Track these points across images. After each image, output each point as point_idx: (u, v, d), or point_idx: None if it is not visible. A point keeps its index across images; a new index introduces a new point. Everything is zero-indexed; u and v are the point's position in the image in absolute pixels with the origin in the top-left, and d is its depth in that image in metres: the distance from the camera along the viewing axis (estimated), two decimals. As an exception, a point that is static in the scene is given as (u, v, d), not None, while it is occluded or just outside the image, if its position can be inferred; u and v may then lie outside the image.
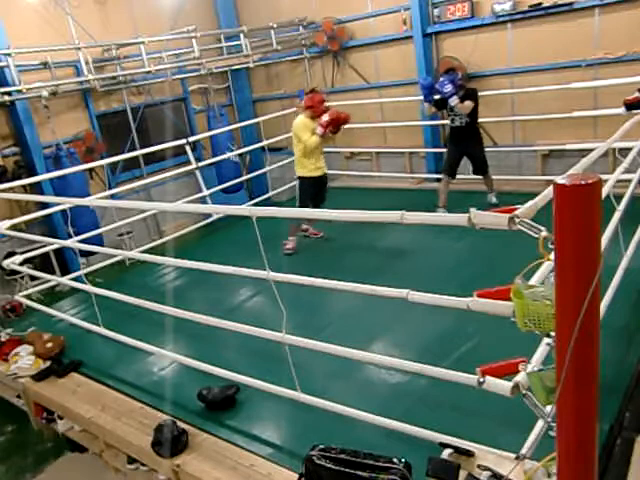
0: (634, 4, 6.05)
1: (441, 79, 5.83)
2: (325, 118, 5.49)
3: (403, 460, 2.23)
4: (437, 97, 5.98)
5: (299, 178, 5.91)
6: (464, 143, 6.19)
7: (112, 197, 6.77)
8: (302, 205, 5.88)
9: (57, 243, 5.51)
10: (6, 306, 6.12)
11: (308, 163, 5.74)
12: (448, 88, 5.73)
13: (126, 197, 7.42)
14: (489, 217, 1.95)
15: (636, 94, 5.00)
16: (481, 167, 6.27)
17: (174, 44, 8.11)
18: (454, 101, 5.76)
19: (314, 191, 5.87)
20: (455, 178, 6.31)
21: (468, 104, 5.82)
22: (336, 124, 5.62)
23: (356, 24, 8.29)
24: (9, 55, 6.25)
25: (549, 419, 2.07)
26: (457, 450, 2.29)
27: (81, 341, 4.46)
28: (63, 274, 6.44)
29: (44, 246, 5.69)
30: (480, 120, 7.11)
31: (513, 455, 2.25)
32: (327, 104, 5.79)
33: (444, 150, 7.85)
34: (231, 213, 3.46)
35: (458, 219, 2.06)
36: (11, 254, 5.81)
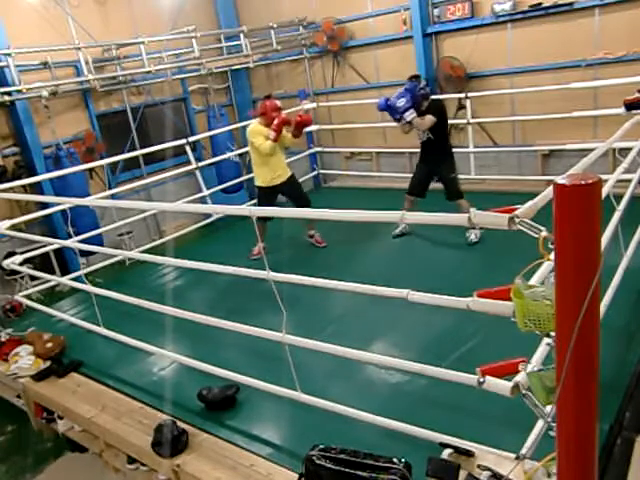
0: (634, 4, 6.05)
1: (398, 91, 5.25)
2: (275, 122, 5.32)
3: (403, 460, 2.23)
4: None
5: (256, 187, 5.80)
6: (430, 161, 5.52)
7: (112, 197, 6.77)
8: (261, 218, 5.30)
9: (57, 243, 5.51)
10: (6, 306, 6.12)
11: (264, 172, 5.59)
12: (401, 102, 5.09)
13: (126, 197, 7.42)
14: (489, 217, 1.95)
15: (636, 94, 4.99)
16: (450, 193, 5.42)
17: (174, 44, 8.11)
18: (409, 116, 5.12)
19: (267, 202, 5.64)
20: (424, 197, 5.61)
21: (428, 119, 5.17)
22: (298, 126, 5.48)
23: (356, 24, 8.29)
24: (9, 55, 6.26)
25: (549, 419, 2.07)
26: (457, 450, 2.29)
27: (81, 341, 4.46)
28: (63, 274, 6.44)
29: (44, 246, 5.68)
30: (480, 120, 7.16)
31: (513, 455, 2.25)
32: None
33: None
34: (231, 213, 3.47)
35: (458, 219, 2.06)
36: (11, 254, 5.80)
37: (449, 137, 5.48)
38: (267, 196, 5.69)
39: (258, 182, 5.71)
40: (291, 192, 5.82)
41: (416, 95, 5.15)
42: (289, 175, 5.76)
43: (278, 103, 5.55)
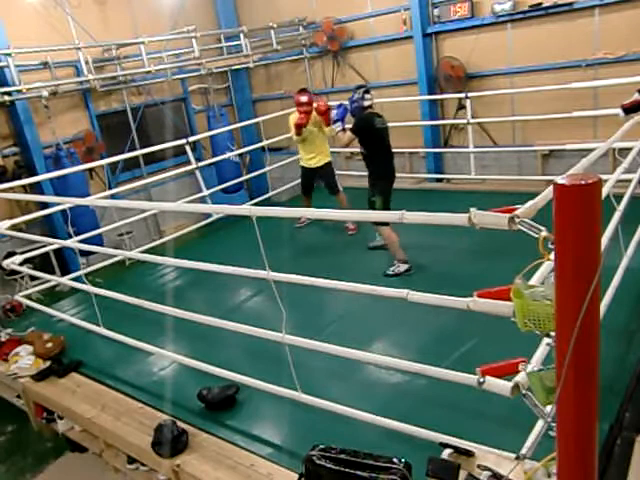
0: (634, 4, 6.05)
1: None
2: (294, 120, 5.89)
3: (403, 460, 2.23)
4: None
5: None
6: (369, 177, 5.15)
7: (112, 197, 6.77)
8: (304, 193, 6.57)
9: (57, 243, 5.50)
10: (6, 306, 6.12)
11: (301, 153, 6.36)
12: (332, 114, 5.02)
13: (126, 197, 7.42)
14: (489, 217, 1.95)
15: (635, 95, 4.98)
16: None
17: (174, 44, 8.11)
18: (335, 129, 5.05)
19: (305, 179, 6.47)
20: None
21: (346, 136, 4.91)
22: (320, 116, 5.81)
23: (356, 24, 8.29)
24: (9, 55, 6.25)
25: (549, 419, 2.07)
26: (457, 450, 2.29)
27: (81, 341, 4.46)
28: (63, 274, 6.43)
29: (44, 246, 5.68)
30: (480, 120, 7.15)
31: (513, 455, 2.24)
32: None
33: (444, 150, 7.88)
34: (231, 213, 3.47)
35: (458, 219, 2.06)
36: (11, 254, 5.81)
37: (384, 156, 5.05)
38: (304, 174, 6.48)
39: (300, 161, 6.47)
40: (324, 178, 6.41)
41: (351, 107, 4.91)
42: (324, 162, 6.30)
43: (303, 98, 5.84)
